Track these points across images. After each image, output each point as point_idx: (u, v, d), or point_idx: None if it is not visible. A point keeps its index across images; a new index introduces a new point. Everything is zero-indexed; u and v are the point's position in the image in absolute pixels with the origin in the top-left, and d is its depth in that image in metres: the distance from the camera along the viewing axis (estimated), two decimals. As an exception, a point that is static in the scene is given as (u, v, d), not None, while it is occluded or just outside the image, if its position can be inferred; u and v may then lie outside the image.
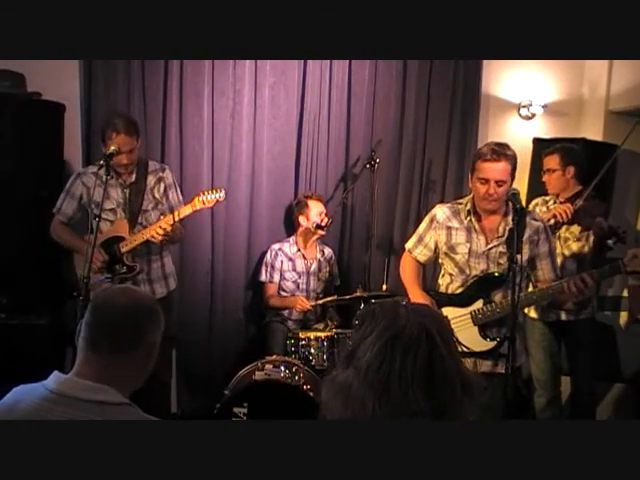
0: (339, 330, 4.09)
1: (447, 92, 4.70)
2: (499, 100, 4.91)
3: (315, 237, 4.45)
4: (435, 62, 4.66)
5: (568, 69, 4.93)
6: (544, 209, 4.01)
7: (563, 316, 3.99)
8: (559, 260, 3.59)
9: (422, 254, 3.31)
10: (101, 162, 3.33)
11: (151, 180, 3.75)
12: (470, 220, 3.11)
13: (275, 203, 4.62)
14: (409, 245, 3.37)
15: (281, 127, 4.54)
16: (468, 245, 3.11)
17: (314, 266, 4.47)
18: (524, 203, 3.86)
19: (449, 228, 3.16)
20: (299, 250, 4.46)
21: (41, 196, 3.78)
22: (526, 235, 3.03)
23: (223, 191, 3.70)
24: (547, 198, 4.08)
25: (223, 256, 4.54)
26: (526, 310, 4.01)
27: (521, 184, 4.10)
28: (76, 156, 4.19)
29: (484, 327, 3.10)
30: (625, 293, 4.81)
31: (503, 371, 2.91)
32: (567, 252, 3.89)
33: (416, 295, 3.22)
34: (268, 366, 3.67)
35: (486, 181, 2.96)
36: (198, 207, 3.66)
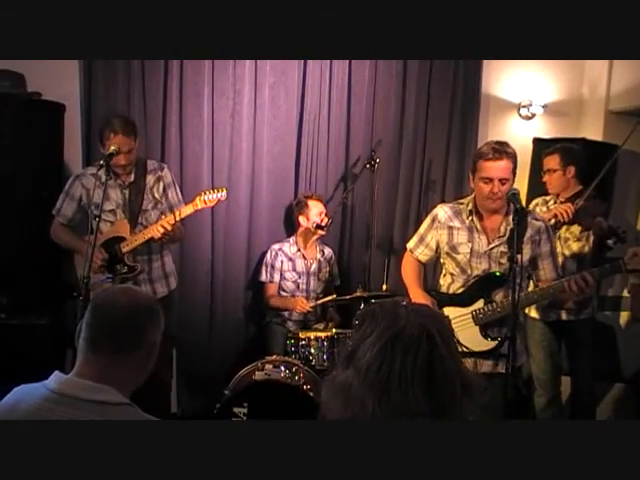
0: (339, 330, 4.09)
1: (447, 92, 4.70)
2: (499, 100, 4.91)
3: (315, 237, 4.45)
4: (435, 62, 4.66)
5: (568, 69, 4.93)
6: (544, 209, 4.02)
7: (564, 316, 3.99)
8: (559, 260, 3.59)
9: (423, 254, 3.31)
10: (100, 163, 3.34)
11: (150, 180, 3.75)
12: (472, 220, 3.11)
13: (275, 203, 4.62)
14: (410, 245, 3.37)
15: (281, 127, 4.54)
16: (470, 245, 3.11)
17: (314, 266, 4.47)
18: (524, 203, 3.86)
19: (451, 228, 3.16)
20: (299, 250, 4.46)
21: (41, 196, 3.78)
22: (527, 235, 3.04)
23: (225, 190, 3.71)
24: (547, 198, 4.09)
25: (223, 256, 4.54)
26: (527, 310, 4.01)
27: (521, 184, 4.10)
28: (76, 156, 4.19)
29: (485, 327, 3.10)
30: (625, 293, 4.81)
31: (504, 371, 2.91)
32: (567, 252, 3.89)
33: (417, 295, 3.22)
34: (268, 366, 3.67)
35: (490, 180, 2.96)
36: (199, 207, 3.66)
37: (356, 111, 4.64)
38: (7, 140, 3.71)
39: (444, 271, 3.30)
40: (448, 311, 3.15)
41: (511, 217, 2.99)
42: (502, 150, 2.95)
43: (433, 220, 3.24)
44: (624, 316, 4.83)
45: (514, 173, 3.01)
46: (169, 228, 3.56)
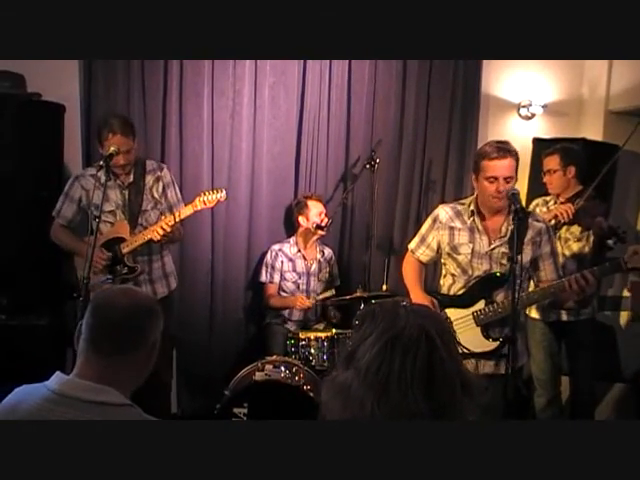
0: (339, 330, 4.09)
1: (447, 92, 4.70)
2: (499, 100, 4.91)
3: (315, 237, 4.45)
4: (435, 62, 4.66)
5: (568, 69, 4.93)
6: (544, 209, 4.02)
7: (564, 316, 3.99)
8: (560, 260, 3.59)
9: (425, 254, 3.31)
10: (100, 163, 3.34)
11: (149, 180, 3.75)
12: (473, 220, 3.11)
13: (275, 203, 4.62)
14: (412, 246, 3.37)
15: (281, 127, 4.54)
16: (471, 245, 3.11)
17: (314, 267, 4.47)
18: (524, 203, 3.86)
19: (452, 228, 3.16)
20: (299, 251, 4.46)
21: (41, 196, 3.78)
22: (529, 236, 3.04)
23: (224, 191, 3.70)
24: (547, 198, 4.09)
25: (223, 256, 4.54)
26: (527, 310, 4.01)
27: (521, 184, 4.10)
28: (76, 156, 4.19)
29: (486, 327, 3.10)
30: (625, 293, 4.82)
31: (511, 371, 2.90)
32: (567, 252, 3.90)
33: (418, 296, 3.22)
34: (268, 366, 3.67)
35: (495, 179, 2.96)
36: (199, 207, 3.66)
37: (356, 111, 4.64)
38: (7, 140, 3.72)
39: (445, 272, 3.30)
40: (449, 312, 3.15)
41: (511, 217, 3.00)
42: (506, 149, 2.97)
43: (434, 221, 3.24)
44: (624, 316, 4.83)
45: (517, 172, 3.02)
46: (168, 229, 3.56)
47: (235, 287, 4.62)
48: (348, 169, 4.69)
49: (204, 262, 4.49)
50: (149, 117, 4.29)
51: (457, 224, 3.16)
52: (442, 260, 3.29)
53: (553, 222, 3.75)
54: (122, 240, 3.65)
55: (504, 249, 3.05)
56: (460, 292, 3.18)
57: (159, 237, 3.57)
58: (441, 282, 3.33)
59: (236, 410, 3.40)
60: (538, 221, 3.14)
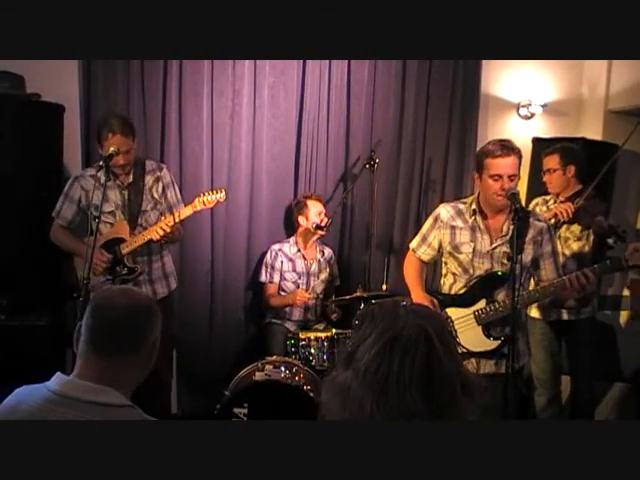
0: (339, 330, 4.09)
1: (446, 92, 4.71)
2: (498, 100, 4.92)
3: (315, 237, 4.45)
4: (434, 62, 4.67)
5: (567, 69, 4.94)
6: (544, 208, 4.02)
7: (564, 315, 3.99)
8: (560, 259, 3.60)
9: (426, 253, 3.31)
10: (100, 163, 3.34)
11: (149, 180, 3.75)
12: (475, 219, 3.11)
13: (275, 203, 4.62)
14: (413, 245, 3.37)
15: (280, 127, 4.53)
16: (472, 245, 3.11)
17: (314, 266, 4.47)
18: (524, 203, 3.86)
19: (453, 227, 3.16)
20: (299, 250, 4.46)
21: (41, 196, 3.78)
22: (530, 235, 3.05)
23: (224, 192, 3.70)
24: (547, 197, 4.09)
25: (223, 256, 4.54)
26: (527, 309, 4.01)
27: (521, 184, 4.09)
28: (75, 157, 4.19)
29: (488, 326, 3.09)
30: (625, 292, 4.82)
31: (511, 370, 2.90)
32: (567, 251, 3.90)
33: (419, 296, 3.22)
34: (268, 366, 3.67)
35: (499, 177, 2.96)
36: (199, 208, 3.65)
37: (355, 111, 4.64)
38: (7, 141, 3.71)
39: (445, 271, 3.29)
40: (450, 311, 3.15)
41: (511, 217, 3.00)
42: (509, 147, 2.98)
43: (435, 220, 3.24)
44: (624, 315, 4.84)
45: (519, 170, 3.03)
46: (168, 230, 3.56)
47: (235, 287, 4.62)
48: (348, 169, 4.69)
49: (204, 262, 4.49)
50: (149, 117, 4.29)
51: (458, 223, 3.16)
52: (443, 259, 3.29)
53: (553, 221, 3.75)
54: (122, 241, 3.65)
55: (505, 248, 3.05)
56: (461, 291, 3.17)
57: (159, 237, 3.57)
58: (442, 281, 3.33)
59: (236, 410, 3.40)
60: (539, 220, 3.15)
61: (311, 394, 3.44)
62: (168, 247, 3.93)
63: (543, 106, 4.87)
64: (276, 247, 4.47)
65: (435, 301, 3.17)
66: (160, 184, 3.77)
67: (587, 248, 3.90)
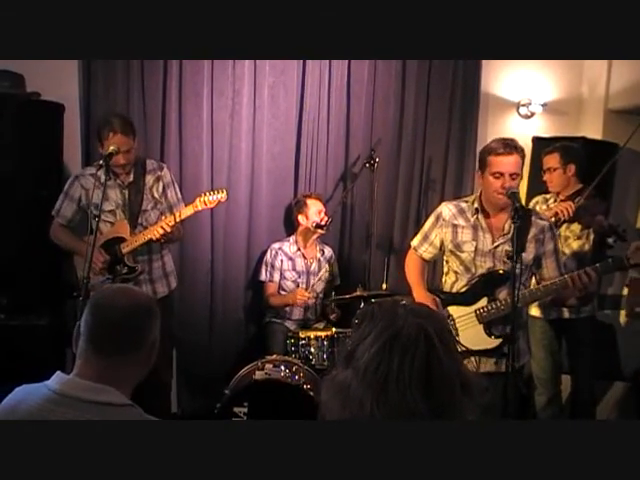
0: (339, 329, 4.09)
1: (446, 91, 4.71)
2: (498, 99, 4.91)
3: (315, 236, 4.45)
4: (434, 61, 4.67)
5: (567, 68, 4.93)
6: (544, 207, 4.03)
7: (565, 314, 3.99)
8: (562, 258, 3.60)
9: (428, 252, 3.31)
10: (100, 163, 3.34)
11: (149, 179, 3.75)
12: (477, 218, 3.11)
13: (275, 203, 4.62)
14: (414, 243, 3.37)
15: (280, 127, 4.53)
16: (474, 243, 3.11)
17: (314, 265, 4.47)
18: (524, 202, 3.86)
19: (455, 226, 3.16)
20: (299, 249, 4.46)
21: (41, 195, 3.78)
22: (532, 234, 3.05)
23: (225, 192, 3.70)
24: (547, 196, 4.10)
25: (223, 256, 4.54)
26: (527, 308, 4.01)
27: (521, 183, 4.10)
28: (75, 156, 4.19)
29: (489, 325, 3.10)
30: (625, 291, 4.82)
31: (511, 369, 2.90)
32: (567, 250, 3.90)
33: (421, 294, 3.22)
34: (268, 366, 3.67)
35: (501, 175, 2.97)
36: (200, 208, 3.65)
37: (355, 111, 4.64)
38: (7, 140, 3.72)
39: (447, 269, 3.29)
40: (452, 310, 3.15)
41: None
42: (512, 145, 2.98)
43: (437, 218, 3.24)
44: (624, 315, 4.83)
45: (522, 170, 3.03)
46: (169, 229, 3.56)
47: (235, 286, 4.62)
48: (348, 168, 4.69)
49: (204, 262, 4.49)
50: (148, 117, 4.29)
51: (460, 222, 3.16)
52: (444, 258, 3.29)
53: (553, 220, 3.75)
54: (122, 240, 3.65)
55: (507, 247, 3.04)
56: (463, 290, 3.17)
57: (159, 237, 3.57)
58: (443, 279, 3.32)
59: (236, 409, 3.40)
60: (541, 219, 3.15)
61: (311, 393, 3.44)
62: (168, 246, 3.93)
63: (543, 105, 4.87)
64: (276, 246, 4.48)
65: (437, 300, 3.17)
66: (160, 183, 3.77)
67: (587, 247, 3.90)
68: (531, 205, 4.09)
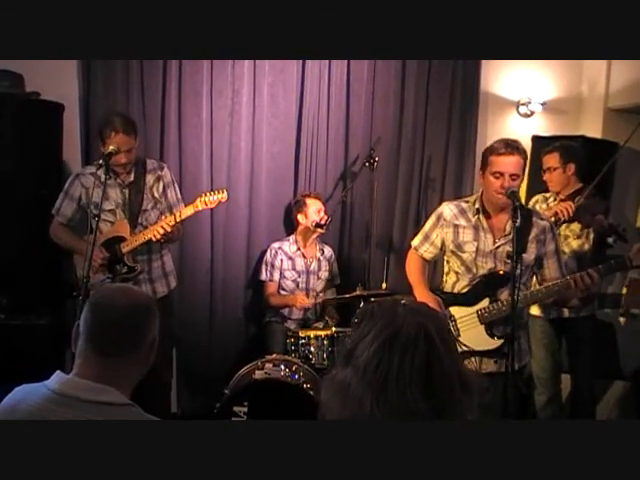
0: (339, 329, 4.09)
1: (446, 91, 4.71)
2: (498, 98, 4.92)
3: (315, 235, 4.45)
4: (434, 61, 4.67)
5: (567, 67, 4.94)
6: (544, 206, 4.03)
7: (565, 313, 3.99)
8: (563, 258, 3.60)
9: (428, 252, 3.30)
10: (100, 162, 3.34)
11: (150, 179, 3.74)
12: (478, 218, 3.11)
13: (274, 202, 4.62)
14: (415, 243, 3.36)
15: (280, 126, 4.53)
16: (475, 244, 3.11)
17: (314, 265, 4.47)
18: (523, 201, 3.86)
19: (456, 226, 3.16)
20: (299, 249, 4.46)
21: (41, 195, 3.78)
22: (533, 234, 3.05)
23: (225, 192, 3.70)
24: (547, 195, 4.09)
25: (223, 255, 4.54)
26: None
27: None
28: (75, 156, 4.19)
29: (491, 326, 3.09)
30: (624, 290, 4.82)
31: (511, 370, 2.90)
32: (567, 249, 3.90)
33: (422, 294, 3.21)
34: (268, 365, 3.67)
35: (500, 175, 2.96)
36: (200, 208, 3.65)
37: (355, 110, 4.64)
38: (6, 140, 3.72)
39: (448, 269, 3.29)
40: (453, 310, 3.15)
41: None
42: (514, 146, 2.98)
43: (438, 218, 3.23)
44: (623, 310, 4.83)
45: (524, 171, 3.03)
46: (169, 229, 3.56)
47: (235, 286, 4.62)
48: (347, 167, 4.69)
49: (204, 261, 4.49)
50: (148, 117, 4.29)
51: (461, 222, 3.16)
52: (445, 258, 3.28)
53: (553, 219, 3.75)
54: (122, 239, 3.65)
55: (509, 247, 3.03)
56: (464, 290, 3.17)
57: (159, 236, 3.57)
58: (444, 280, 3.32)
59: (236, 409, 3.40)
60: (542, 219, 3.15)
61: (311, 392, 3.44)
62: (168, 246, 3.93)
63: (543, 104, 4.87)
64: (276, 245, 4.48)
65: (440, 300, 3.16)
66: (161, 183, 3.77)
67: (587, 246, 3.90)
68: (531, 204, 4.08)
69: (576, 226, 3.89)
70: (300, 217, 4.42)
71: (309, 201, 4.40)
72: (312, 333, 4.08)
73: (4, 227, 3.72)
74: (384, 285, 4.33)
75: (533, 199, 4.17)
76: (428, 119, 4.73)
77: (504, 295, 3.07)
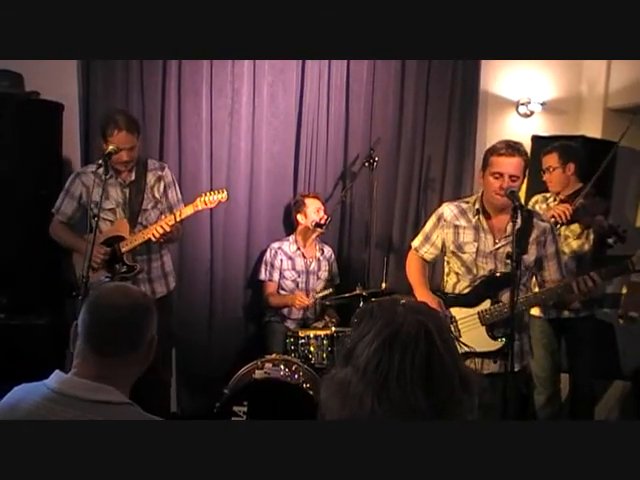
0: (338, 328, 4.09)
1: (445, 91, 4.71)
2: (497, 98, 4.92)
3: (314, 235, 4.45)
4: (433, 61, 4.68)
5: (567, 67, 4.94)
6: (544, 206, 4.02)
7: (565, 313, 3.99)
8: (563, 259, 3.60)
9: (429, 253, 3.30)
10: (99, 162, 3.34)
11: (151, 179, 3.75)
12: (479, 219, 3.11)
13: (274, 202, 4.62)
14: (415, 243, 3.36)
15: (280, 126, 4.53)
16: (476, 244, 3.10)
17: (313, 265, 4.47)
18: (523, 201, 3.86)
19: (456, 227, 3.16)
20: (298, 249, 4.46)
21: (41, 195, 3.78)
22: (533, 235, 3.05)
23: (225, 192, 3.70)
24: (547, 195, 4.09)
25: (222, 255, 4.55)
26: (528, 308, 4.01)
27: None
28: (74, 155, 4.20)
29: (492, 327, 3.09)
30: (624, 290, 4.82)
31: (511, 370, 2.90)
32: (567, 250, 3.89)
33: (423, 295, 3.20)
34: (268, 365, 3.67)
35: (500, 175, 2.96)
36: (200, 208, 3.65)
37: (355, 110, 4.64)
38: (6, 140, 3.72)
39: (448, 270, 3.28)
40: (454, 311, 3.14)
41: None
42: (515, 147, 2.98)
43: (439, 219, 3.23)
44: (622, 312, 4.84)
45: (524, 174, 3.02)
46: (167, 229, 3.56)
47: (234, 286, 4.62)
48: (347, 167, 4.70)
49: (203, 261, 4.49)
50: (148, 116, 4.29)
51: (462, 222, 3.15)
52: (446, 258, 3.28)
53: (552, 221, 3.75)
54: (122, 239, 3.65)
55: (509, 248, 3.03)
56: (465, 291, 3.17)
57: (158, 236, 3.57)
58: (445, 280, 3.32)
59: (236, 408, 3.40)
60: (543, 220, 3.14)
61: (310, 392, 3.44)
62: (167, 246, 3.93)
63: (542, 104, 4.88)
64: (275, 245, 4.48)
65: (440, 301, 3.16)
66: (162, 183, 3.77)
67: (587, 247, 3.89)
68: (530, 204, 4.08)
69: (576, 226, 3.89)
70: (300, 217, 4.42)
71: (308, 201, 4.40)
72: (312, 333, 4.08)
73: (4, 227, 3.72)
74: (384, 285, 4.33)
75: (533, 199, 4.17)
76: (428, 119, 4.74)
77: (505, 296, 3.06)
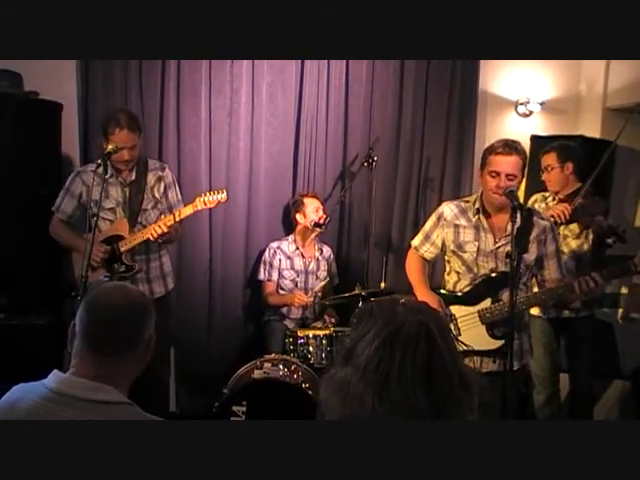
0: (337, 328, 4.09)
1: (444, 91, 4.71)
2: (496, 97, 4.92)
3: (313, 235, 4.45)
4: (432, 61, 4.67)
5: (565, 67, 4.94)
6: (543, 205, 4.02)
7: (564, 313, 3.99)
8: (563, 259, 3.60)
9: (429, 252, 3.30)
10: (98, 162, 3.33)
11: (151, 179, 3.74)
12: (479, 218, 3.11)
13: (273, 202, 4.62)
14: (415, 243, 3.35)
15: (279, 126, 4.53)
16: (476, 244, 3.10)
17: (312, 264, 4.47)
18: (522, 200, 3.86)
19: (457, 226, 3.16)
20: (297, 248, 4.46)
21: (40, 195, 3.78)
22: (534, 234, 3.04)
23: (225, 192, 3.70)
24: (546, 194, 4.09)
25: (221, 255, 4.55)
26: (528, 307, 4.02)
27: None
28: (74, 155, 4.20)
29: (492, 326, 3.09)
30: (624, 290, 4.82)
31: (511, 369, 2.90)
32: (566, 249, 3.89)
33: (423, 294, 3.20)
34: (267, 365, 3.67)
35: (497, 174, 2.96)
36: (199, 208, 3.65)
37: (354, 109, 4.64)
38: (6, 140, 3.72)
39: (449, 269, 3.28)
40: (455, 310, 3.14)
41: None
42: (513, 146, 2.98)
43: (439, 218, 3.23)
44: (623, 313, 4.84)
45: (522, 173, 3.02)
46: (166, 229, 3.56)
47: (233, 285, 4.62)
48: (346, 167, 4.70)
49: (202, 261, 4.50)
50: (147, 117, 4.28)
51: (462, 222, 3.15)
52: (446, 257, 3.27)
53: (551, 220, 3.75)
54: (121, 238, 3.65)
55: (509, 247, 3.04)
56: (466, 290, 3.17)
57: (156, 236, 3.57)
58: (445, 279, 3.31)
59: (235, 408, 3.40)
60: (543, 219, 3.14)
61: (309, 392, 3.44)
62: (167, 247, 3.93)
63: (541, 104, 4.88)
64: (274, 245, 4.48)
65: (440, 299, 3.16)
66: (162, 184, 3.77)
67: (586, 246, 3.89)
68: (529, 203, 4.08)
69: (575, 226, 3.88)
70: (299, 217, 4.42)
71: (307, 200, 4.40)
72: (311, 332, 4.08)
73: (4, 227, 3.72)
74: (383, 284, 4.33)
75: (532, 198, 4.17)
76: (427, 119, 4.74)
77: (505, 295, 3.05)
